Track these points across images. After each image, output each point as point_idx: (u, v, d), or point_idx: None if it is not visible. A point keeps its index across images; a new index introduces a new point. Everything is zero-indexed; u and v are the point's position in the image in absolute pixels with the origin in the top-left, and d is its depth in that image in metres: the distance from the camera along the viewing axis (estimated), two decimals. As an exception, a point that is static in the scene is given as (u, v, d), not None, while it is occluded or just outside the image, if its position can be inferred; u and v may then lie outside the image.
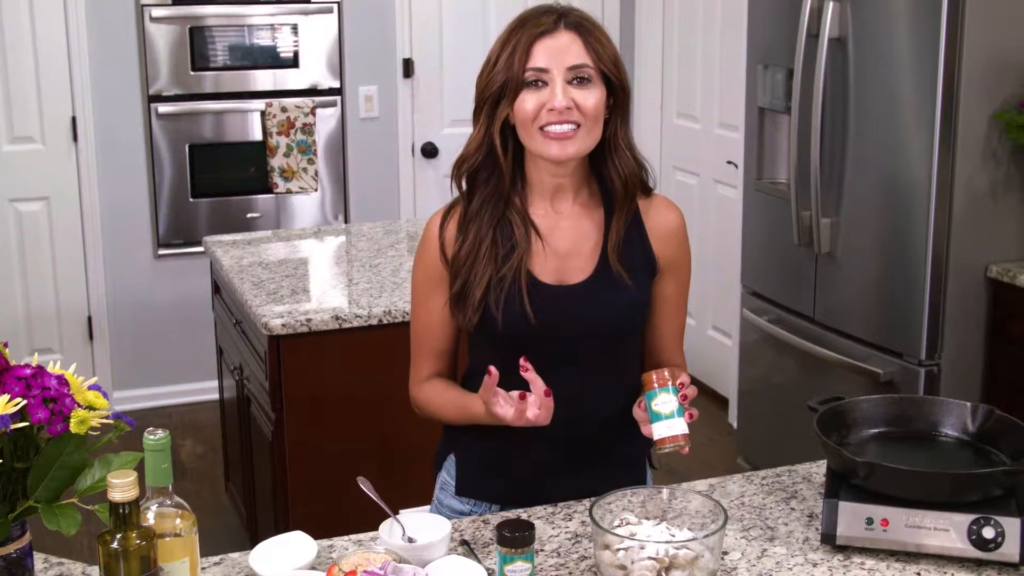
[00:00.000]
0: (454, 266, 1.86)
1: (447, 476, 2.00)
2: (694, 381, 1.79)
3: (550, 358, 1.83)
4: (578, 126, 1.76)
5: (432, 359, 1.94)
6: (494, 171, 1.84)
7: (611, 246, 1.84)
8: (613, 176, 1.85)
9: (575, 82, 1.76)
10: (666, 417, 1.71)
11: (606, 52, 1.78)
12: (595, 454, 1.93)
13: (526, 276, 1.83)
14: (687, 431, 1.71)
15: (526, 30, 1.77)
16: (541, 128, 1.77)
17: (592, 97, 1.76)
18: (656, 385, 1.72)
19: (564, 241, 1.86)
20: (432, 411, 1.95)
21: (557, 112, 1.75)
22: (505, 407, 1.73)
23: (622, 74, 1.81)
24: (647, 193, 1.90)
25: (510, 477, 1.93)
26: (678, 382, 1.73)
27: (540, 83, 1.77)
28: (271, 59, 4.98)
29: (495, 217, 1.85)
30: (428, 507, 2.03)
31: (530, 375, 1.72)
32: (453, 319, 1.89)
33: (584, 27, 1.78)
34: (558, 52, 1.76)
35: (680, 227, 1.93)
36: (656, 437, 1.72)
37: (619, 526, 1.63)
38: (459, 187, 1.89)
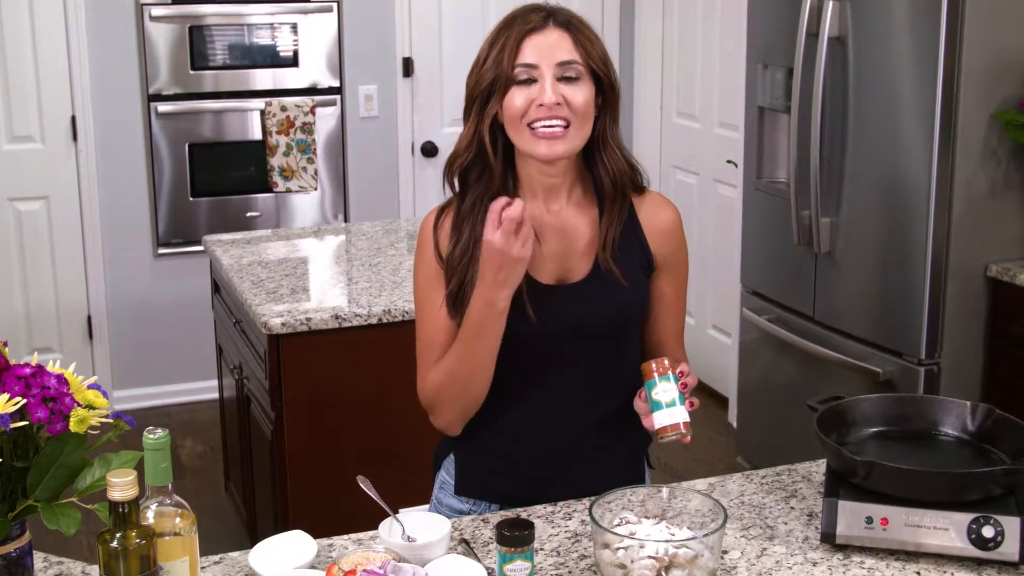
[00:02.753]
0: (448, 265, 1.84)
1: (446, 475, 2.00)
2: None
3: (550, 357, 1.83)
4: (567, 125, 1.76)
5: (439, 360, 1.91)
6: (485, 169, 1.83)
7: (603, 246, 1.84)
8: (602, 174, 1.85)
9: (564, 79, 1.76)
10: (667, 406, 1.71)
11: (595, 50, 1.78)
12: (594, 452, 1.92)
13: (525, 278, 1.80)
14: (688, 419, 1.71)
15: (515, 28, 1.77)
16: (531, 126, 1.76)
17: (581, 94, 1.76)
18: (656, 374, 1.72)
19: (558, 241, 1.86)
20: (441, 383, 1.85)
21: (547, 108, 1.74)
22: (491, 230, 1.69)
23: (611, 72, 1.81)
24: (639, 191, 1.90)
25: (510, 476, 1.93)
26: (678, 371, 1.73)
27: (529, 80, 1.76)
28: (271, 58, 4.98)
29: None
30: (427, 506, 2.03)
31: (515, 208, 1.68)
32: (451, 319, 1.86)
33: (573, 25, 1.79)
34: (547, 49, 1.75)
35: (676, 224, 1.92)
36: (657, 426, 1.71)
37: (619, 525, 1.63)
38: (451, 186, 1.88)
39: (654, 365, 1.73)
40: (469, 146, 1.83)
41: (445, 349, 1.86)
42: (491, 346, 1.79)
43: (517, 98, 1.76)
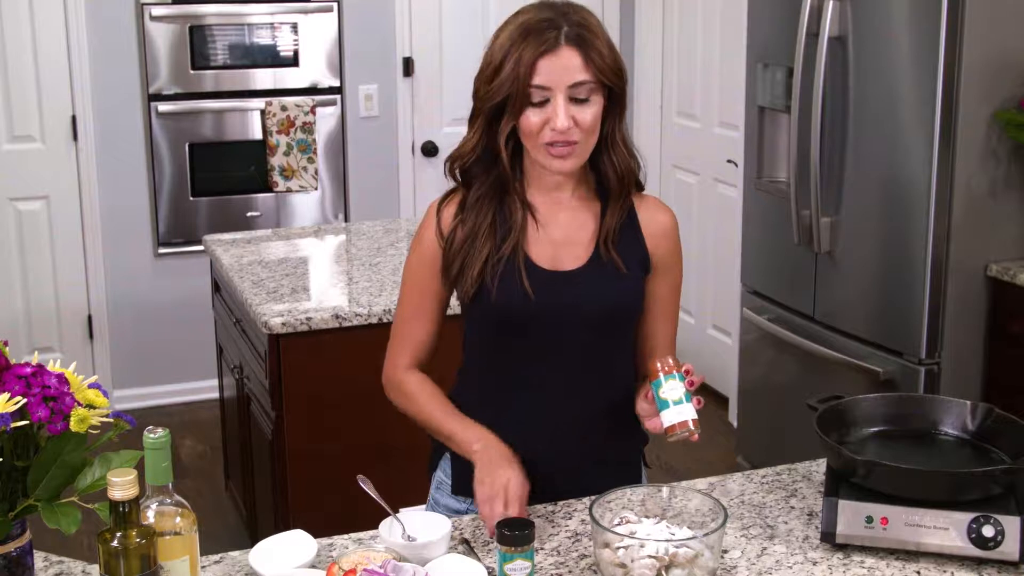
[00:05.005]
0: (451, 249, 1.88)
1: (443, 475, 2.00)
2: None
3: (544, 343, 1.86)
4: (576, 142, 1.80)
5: (412, 344, 1.97)
6: (491, 166, 1.87)
7: (605, 235, 1.87)
8: (609, 171, 1.88)
9: (575, 100, 1.79)
10: (675, 404, 1.71)
11: (605, 62, 1.80)
12: (590, 447, 1.93)
13: (523, 257, 1.85)
14: (696, 416, 1.71)
15: (529, 45, 1.77)
16: (544, 143, 1.80)
17: (590, 112, 1.79)
18: (662, 373, 1.73)
19: (561, 230, 1.89)
20: (410, 402, 1.97)
21: (559, 132, 1.78)
22: (481, 489, 1.77)
23: (621, 79, 1.83)
24: (639, 188, 1.93)
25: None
26: (683, 369, 1.74)
27: (543, 100, 1.78)
28: (271, 58, 4.98)
29: (495, 202, 1.88)
30: (424, 506, 2.03)
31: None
32: (447, 292, 1.92)
33: (584, 39, 1.78)
34: (560, 71, 1.77)
35: (673, 227, 1.95)
36: (666, 424, 1.71)
37: (619, 524, 1.63)
38: (453, 178, 1.93)
39: (659, 364, 1.74)
40: (474, 149, 1.86)
41: (416, 326, 1.96)
42: (450, 446, 1.93)
43: (532, 117, 1.79)
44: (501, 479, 1.75)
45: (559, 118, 1.77)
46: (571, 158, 1.81)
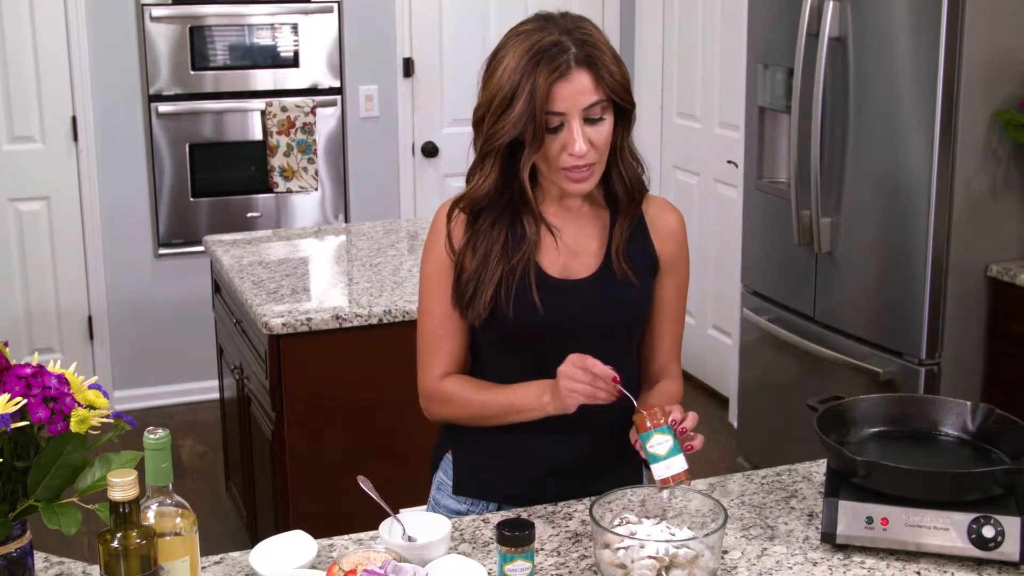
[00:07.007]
0: (461, 274, 1.86)
1: (444, 476, 2.00)
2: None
3: (555, 352, 1.84)
4: (593, 164, 1.80)
5: (446, 356, 1.92)
6: (502, 195, 1.85)
7: (615, 248, 1.87)
8: (618, 184, 1.89)
9: (588, 121, 1.78)
10: (664, 457, 1.71)
11: (615, 79, 1.78)
12: (592, 449, 1.93)
13: (534, 269, 1.85)
14: (687, 466, 1.70)
15: (542, 72, 1.73)
16: (562, 168, 1.79)
17: (603, 131, 1.79)
18: (649, 426, 1.71)
19: (573, 239, 1.89)
20: (454, 403, 1.91)
21: (577, 156, 1.77)
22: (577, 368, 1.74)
23: (628, 94, 1.83)
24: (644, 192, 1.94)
25: (509, 474, 1.94)
26: (671, 419, 1.72)
27: (559, 125, 1.77)
28: (271, 58, 4.98)
29: (506, 222, 1.86)
30: (425, 507, 2.03)
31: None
32: (453, 309, 1.88)
33: (593, 59, 1.76)
34: (574, 95, 1.75)
35: (680, 228, 1.96)
36: (657, 478, 1.71)
37: (619, 525, 1.63)
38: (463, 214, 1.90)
39: (647, 418, 1.71)
40: (489, 192, 1.83)
41: (446, 339, 1.90)
42: (518, 420, 1.86)
43: (549, 143, 1.78)
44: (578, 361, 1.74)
45: (577, 142, 1.75)
46: (589, 180, 1.81)
